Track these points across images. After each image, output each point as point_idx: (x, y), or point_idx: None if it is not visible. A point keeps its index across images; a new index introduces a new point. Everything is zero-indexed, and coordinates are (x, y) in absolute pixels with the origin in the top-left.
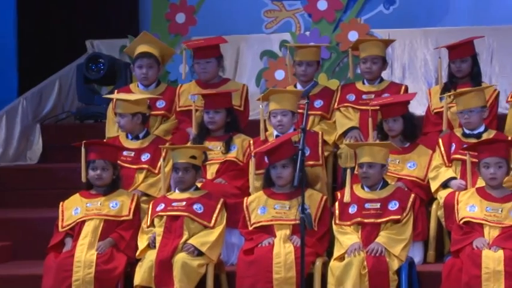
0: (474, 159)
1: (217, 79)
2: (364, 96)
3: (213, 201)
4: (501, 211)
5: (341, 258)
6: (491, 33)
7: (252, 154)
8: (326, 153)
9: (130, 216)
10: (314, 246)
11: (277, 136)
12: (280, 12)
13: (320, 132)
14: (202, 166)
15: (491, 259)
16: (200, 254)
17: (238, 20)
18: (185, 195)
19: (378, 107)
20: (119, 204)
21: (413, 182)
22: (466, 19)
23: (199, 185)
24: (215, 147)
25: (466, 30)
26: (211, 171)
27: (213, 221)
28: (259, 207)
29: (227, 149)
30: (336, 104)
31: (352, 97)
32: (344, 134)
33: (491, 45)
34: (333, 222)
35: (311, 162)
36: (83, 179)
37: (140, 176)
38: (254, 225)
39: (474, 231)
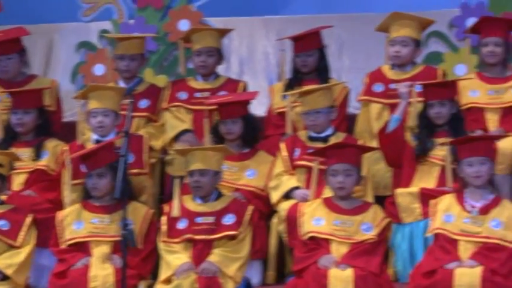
0: (322, 166)
1: (21, 76)
2: (197, 94)
3: (20, 216)
4: (351, 225)
5: (169, 280)
6: (340, 22)
7: (67, 161)
8: (152, 160)
9: None
10: (137, 267)
11: (97, 141)
12: None
13: (145, 136)
14: (8, 176)
15: (339, 279)
16: (5, 277)
17: (51, 6)
18: None
19: (214, 107)
20: None
21: (252, 193)
22: (312, 7)
23: (3, 198)
24: (23, 154)
25: (312, 19)
26: (18, 181)
27: (19, 240)
28: (75, 221)
29: (37, 155)
30: (165, 104)
31: (183, 95)
32: (175, 138)
33: (341, 37)
34: (160, 239)
35: (135, 171)
36: None
37: None
38: (67, 243)
39: (320, 248)
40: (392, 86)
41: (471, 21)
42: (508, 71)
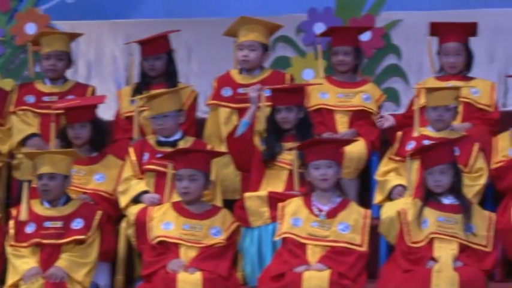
0: (172, 170)
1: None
2: (45, 98)
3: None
4: (200, 229)
5: (16, 285)
6: (188, 26)
7: None
8: None
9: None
10: None
11: None
12: None
13: None
14: None
15: (188, 283)
16: None
17: None
18: None
19: (61, 111)
20: None
21: (99, 196)
22: (161, 11)
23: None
24: None
25: (160, 23)
26: None
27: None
28: None
29: None
30: (12, 107)
31: (31, 99)
32: (22, 142)
33: (189, 41)
34: (7, 243)
35: None
36: None
37: None
38: None
39: (169, 252)
40: (241, 90)
41: (318, 26)
42: (357, 76)
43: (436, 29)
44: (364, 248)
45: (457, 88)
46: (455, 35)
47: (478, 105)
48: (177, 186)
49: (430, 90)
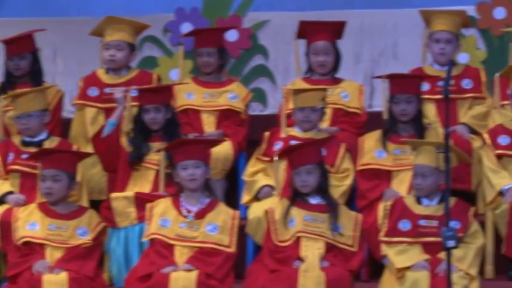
0: (34, 171)
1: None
2: None
3: None
4: (66, 229)
5: None
6: (54, 26)
7: None
8: None
9: None
10: None
11: None
12: None
13: None
14: None
15: (54, 284)
16: None
17: None
18: None
19: None
20: None
21: None
22: (26, 10)
23: None
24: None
25: (25, 22)
26: None
27: None
28: None
29: None
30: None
31: None
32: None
33: (54, 40)
34: None
35: None
36: None
37: None
38: None
39: (34, 253)
40: (107, 90)
41: (186, 26)
42: (223, 76)
43: (305, 28)
44: (232, 249)
45: (323, 89)
46: (324, 34)
47: (349, 110)
48: (40, 186)
49: (297, 92)
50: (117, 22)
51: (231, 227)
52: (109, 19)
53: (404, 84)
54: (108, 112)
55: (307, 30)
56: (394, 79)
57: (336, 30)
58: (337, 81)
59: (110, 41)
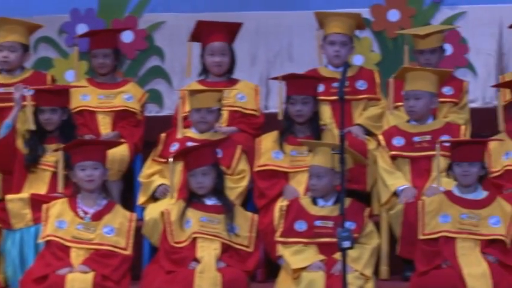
0: None
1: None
2: None
3: None
4: None
5: None
6: None
7: None
8: None
9: None
10: None
11: None
12: None
13: None
14: None
15: None
16: None
17: None
18: None
19: None
20: None
21: None
22: None
23: None
24: None
25: None
26: None
27: None
28: None
29: None
30: None
31: None
32: None
33: None
34: None
35: None
36: None
37: None
38: None
39: None
40: (1, 90)
41: (81, 27)
42: (118, 77)
43: (202, 29)
44: (128, 252)
45: (219, 90)
46: (220, 34)
47: (245, 111)
48: None
49: (193, 93)
50: (9, 23)
51: (128, 229)
52: (1, 20)
53: (300, 85)
54: (2, 112)
55: (203, 31)
56: (290, 80)
57: (232, 31)
58: (233, 82)
59: (3, 42)
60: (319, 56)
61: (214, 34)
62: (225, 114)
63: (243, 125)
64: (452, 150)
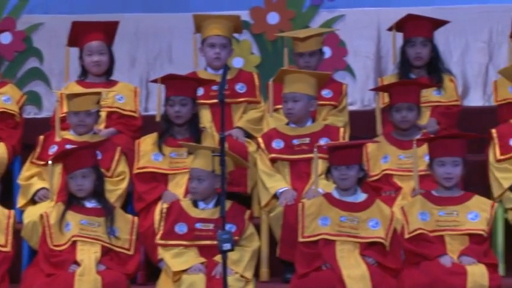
0: None
1: None
2: None
3: None
4: None
5: None
6: None
7: None
8: None
9: None
10: None
11: None
12: None
13: None
14: None
15: None
16: None
17: None
18: None
19: None
20: None
21: None
22: None
23: None
24: None
25: None
26: None
27: None
28: None
29: None
30: None
31: None
32: None
33: None
34: None
35: None
36: None
37: None
38: None
39: None
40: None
41: None
42: None
43: (78, 29)
44: (8, 249)
45: (97, 93)
46: (97, 33)
47: (124, 112)
48: None
49: (71, 96)
50: None
51: (6, 226)
52: None
53: (178, 86)
54: None
55: (80, 32)
56: (169, 81)
57: (109, 30)
58: (112, 83)
59: None
60: (195, 59)
61: (91, 34)
62: (103, 115)
63: (120, 126)
64: (330, 154)
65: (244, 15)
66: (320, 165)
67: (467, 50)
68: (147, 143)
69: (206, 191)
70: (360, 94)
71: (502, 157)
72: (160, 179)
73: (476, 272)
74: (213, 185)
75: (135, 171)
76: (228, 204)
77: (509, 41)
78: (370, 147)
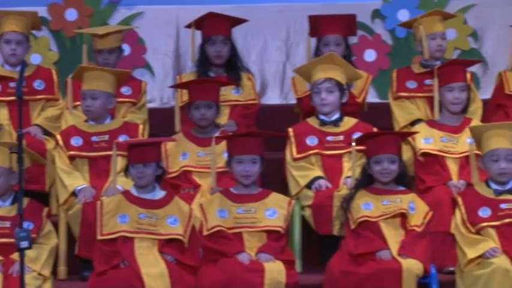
0: None
1: None
2: None
3: None
4: None
5: None
6: None
7: None
8: None
9: None
10: None
11: None
12: None
13: None
14: None
15: None
16: None
17: None
18: None
19: None
20: None
21: None
22: None
23: None
24: None
25: None
26: None
27: None
28: None
29: None
30: None
31: None
32: None
33: None
34: None
35: None
36: None
37: None
38: None
39: None
40: None
41: None
42: None
43: None
44: None
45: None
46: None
47: None
48: None
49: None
50: None
51: None
52: None
53: None
54: None
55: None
56: None
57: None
58: None
59: None
60: None
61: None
62: None
63: None
64: (128, 152)
65: (42, 11)
66: (119, 163)
67: (265, 49)
68: None
69: (2, 188)
70: (159, 92)
71: (299, 156)
72: None
73: (274, 268)
74: (9, 182)
75: None
76: (25, 201)
77: (307, 39)
78: (169, 144)
